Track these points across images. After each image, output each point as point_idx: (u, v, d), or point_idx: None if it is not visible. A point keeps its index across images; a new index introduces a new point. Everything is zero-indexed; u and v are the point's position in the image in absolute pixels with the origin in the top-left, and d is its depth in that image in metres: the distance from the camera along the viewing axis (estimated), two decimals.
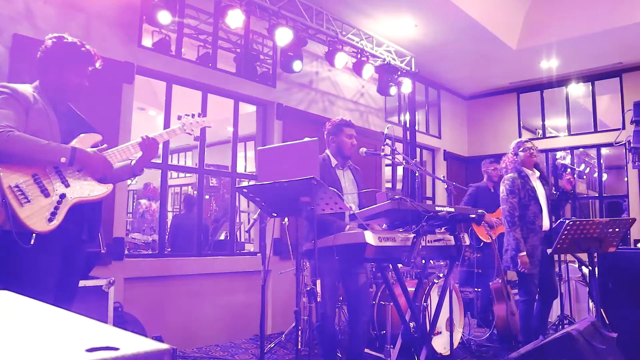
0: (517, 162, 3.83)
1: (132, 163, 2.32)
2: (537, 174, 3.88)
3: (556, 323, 4.42)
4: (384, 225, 3.12)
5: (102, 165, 2.08)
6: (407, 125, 6.78)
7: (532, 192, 3.73)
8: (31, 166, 1.92)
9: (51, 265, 1.99)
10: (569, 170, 3.92)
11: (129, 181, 6.18)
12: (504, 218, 3.73)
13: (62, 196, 1.97)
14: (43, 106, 2.03)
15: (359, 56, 5.70)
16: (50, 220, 1.90)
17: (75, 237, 2.09)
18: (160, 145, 2.43)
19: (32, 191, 1.90)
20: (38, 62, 2.12)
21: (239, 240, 7.26)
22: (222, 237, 7.04)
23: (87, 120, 2.28)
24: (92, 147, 2.12)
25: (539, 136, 8.43)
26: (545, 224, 3.76)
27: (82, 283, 2.84)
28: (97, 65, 2.21)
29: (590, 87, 7.24)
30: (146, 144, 2.26)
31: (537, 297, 3.85)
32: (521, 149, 3.84)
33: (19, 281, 1.87)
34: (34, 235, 1.87)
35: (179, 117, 2.49)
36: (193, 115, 2.51)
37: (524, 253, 3.58)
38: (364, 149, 3.22)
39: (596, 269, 3.21)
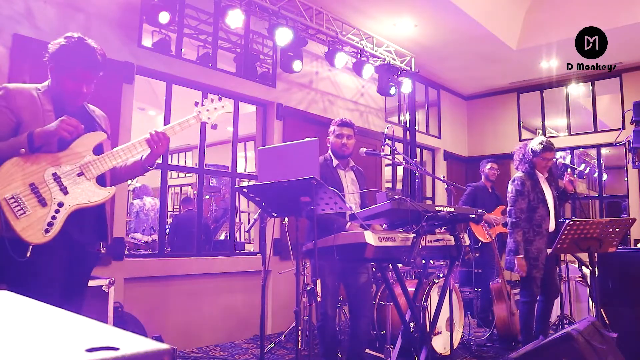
0: (531, 163, 3.72)
1: (143, 158, 2.21)
2: (546, 175, 3.81)
3: (556, 323, 4.42)
4: (384, 225, 3.12)
5: (67, 125, 1.89)
6: (407, 125, 6.78)
7: (541, 195, 3.67)
8: (28, 175, 1.86)
9: (52, 271, 1.92)
10: (569, 170, 3.90)
11: (129, 181, 6.17)
12: (509, 218, 3.68)
13: (60, 204, 1.90)
14: (42, 108, 1.97)
15: (359, 56, 5.70)
16: (46, 231, 1.85)
17: (77, 241, 2.01)
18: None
19: (29, 202, 1.84)
20: (46, 62, 2.04)
21: (239, 240, 7.26)
22: (222, 237, 7.04)
23: (97, 119, 2.19)
24: (95, 147, 2.05)
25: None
26: (552, 226, 3.72)
27: None
28: (103, 66, 2.05)
29: (590, 87, 7.24)
30: (155, 141, 2.12)
31: (539, 298, 3.84)
32: (541, 157, 3.68)
33: (21, 288, 1.80)
34: (30, 247, 1.81)
35: (196, 104, 2.30)
36: (212, 100, 2.32)
37: (522, 256, 3.55)
38: (364, 149, 3.21)
39: (596, 269, 3.20)
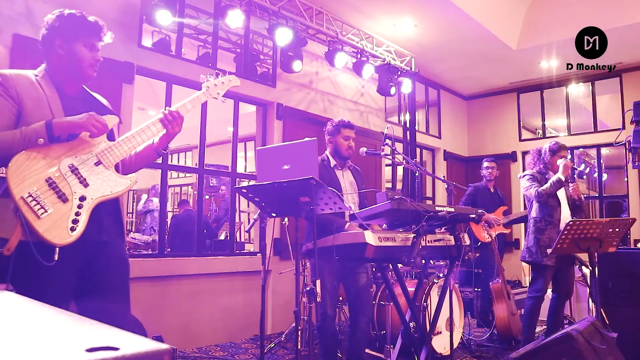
0: (547, 163, 3.86)
1: (155, 141, 2.04)
2: None
3: None
4: (384, 225, 3.12)
5: (97, 122, 1.77)
6: (407, 125, 6.78)
7: None
8: (43, 169, 1.69)
9: (68, 278, 1.76)
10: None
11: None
12: (536, 198, 3.71)
13: (82, 198, 1.73)
14: (44, 93, 1.81)
15: (359, 56, 5.70)
16: (72, 229, 1.68)
17: (94, 240, 1.82)
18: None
19: (48, 198, 1.66)
20: (43, 41, 1.88)
21: (239, 240, 7.26)
22: (222, 237, 7.05)
23: (102, 102, 2.05)
24: (109, 133, 1.91)
25: (539, 136, 8.43)
26: (566, 215, 3.79)
27: None
28: (108, 38, 1.97)
29: (590, 87, 7.24)
30: (169, 120, 1.98)
31: (552, 295, 3.85)
32: (558, 155, 3.84)
33: (40, 296, 1.61)
34: (57, 249, 1.65)
35: (202, 80, 2.15)
36: (217, 75, 2.17)
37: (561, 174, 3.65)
38: (364, 149, 3.21)
39: (596, 269, 3.20)
